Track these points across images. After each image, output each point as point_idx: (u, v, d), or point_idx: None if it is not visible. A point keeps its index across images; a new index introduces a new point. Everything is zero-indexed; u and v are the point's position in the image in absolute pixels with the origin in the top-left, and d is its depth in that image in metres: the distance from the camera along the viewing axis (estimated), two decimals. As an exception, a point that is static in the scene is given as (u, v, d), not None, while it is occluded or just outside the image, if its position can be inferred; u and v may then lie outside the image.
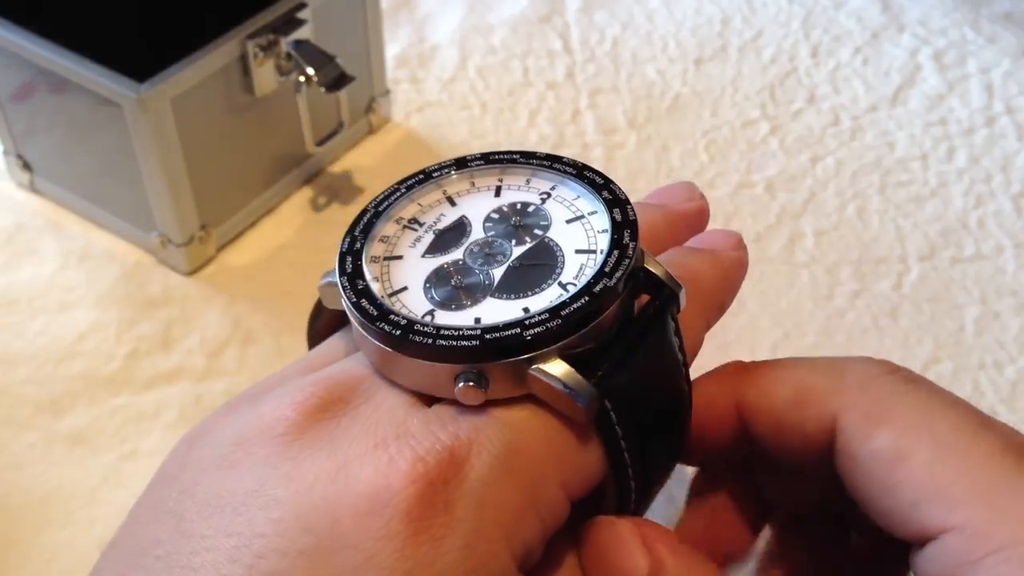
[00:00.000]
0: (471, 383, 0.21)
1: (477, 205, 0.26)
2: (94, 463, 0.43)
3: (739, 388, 0.26)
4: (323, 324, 0.27)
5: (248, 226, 0.53)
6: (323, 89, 0.50)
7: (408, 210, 0.26)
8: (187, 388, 0.46)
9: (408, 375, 0.22)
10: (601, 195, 0.25)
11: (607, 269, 0.23)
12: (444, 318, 0.23)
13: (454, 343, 0.22)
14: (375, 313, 0.23)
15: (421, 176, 0.26)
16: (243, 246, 0.53)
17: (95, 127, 0.48)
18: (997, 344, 0.48)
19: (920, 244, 0.53)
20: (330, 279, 0.24)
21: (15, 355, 0.47)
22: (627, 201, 0.25)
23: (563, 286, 0.23)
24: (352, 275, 0.24)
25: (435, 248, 0.25)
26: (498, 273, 0.24)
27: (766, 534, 0.30)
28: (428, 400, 0.22)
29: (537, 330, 0.22)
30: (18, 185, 0.55)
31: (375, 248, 0.25)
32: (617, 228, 0.24)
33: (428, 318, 0.23)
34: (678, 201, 0.29)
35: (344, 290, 0.23)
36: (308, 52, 0.50)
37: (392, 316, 0.22)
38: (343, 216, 0.55)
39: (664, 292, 0.24)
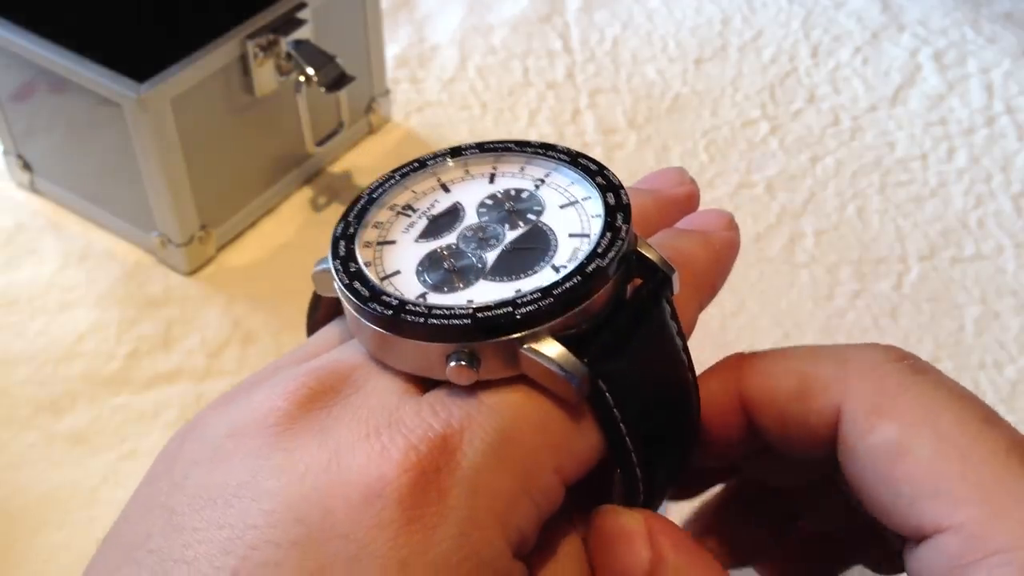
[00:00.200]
0: (463, 363, 0.21)
1: (471, 191, 0.26)
2: (94, 463, 0.43)
3: (742, 381, 0.25)
4: (321, 315, 0.27)
5: (248, 226, 0.53)
6: (323, 89, 0.50)
7: (402, 197, 0.26)
8: (187, 388, 0.46)
9: (400, 356, 0.22)
10: (595, 180, 0.25)
11: (599, 250, 0.23)
12: (437, 299, 0.23)
13: (445, 322, 0.22)
14: (367, 294, 0.23)
15: (416, 164, 0.26)
16: (243, 246, 0.53)
17: (95, 127, 0.48)
18: (997, 344, 0.48)
19: (920, 244, 0.53)
20: (323, 266, 0.24)
21: (15, 355, 0.47)
22: (621, 186, 0.25)
23: (556, 268, 0.23)
24: (345, 259, 0.24)
25: (428, 233, 0.25)
26: (491, 256, 0.24)
27: (717, 489, 0.30)
28: (421, 388, 0.22)
29: (528, 309, 0.22)
30: (18, 185, 0.55)
31: (368, 234, 0.25)
32: (610, 211, 0.24)
33: (421, 299, 0.23)
34: (669, 186, 0.29)
35: (337, 273, 0.23)
36: (308, 52, 0.50)
37: (384, 297, 0.23)
38: (343, 216, 0.55)
39: (658, 276, 0.24)
